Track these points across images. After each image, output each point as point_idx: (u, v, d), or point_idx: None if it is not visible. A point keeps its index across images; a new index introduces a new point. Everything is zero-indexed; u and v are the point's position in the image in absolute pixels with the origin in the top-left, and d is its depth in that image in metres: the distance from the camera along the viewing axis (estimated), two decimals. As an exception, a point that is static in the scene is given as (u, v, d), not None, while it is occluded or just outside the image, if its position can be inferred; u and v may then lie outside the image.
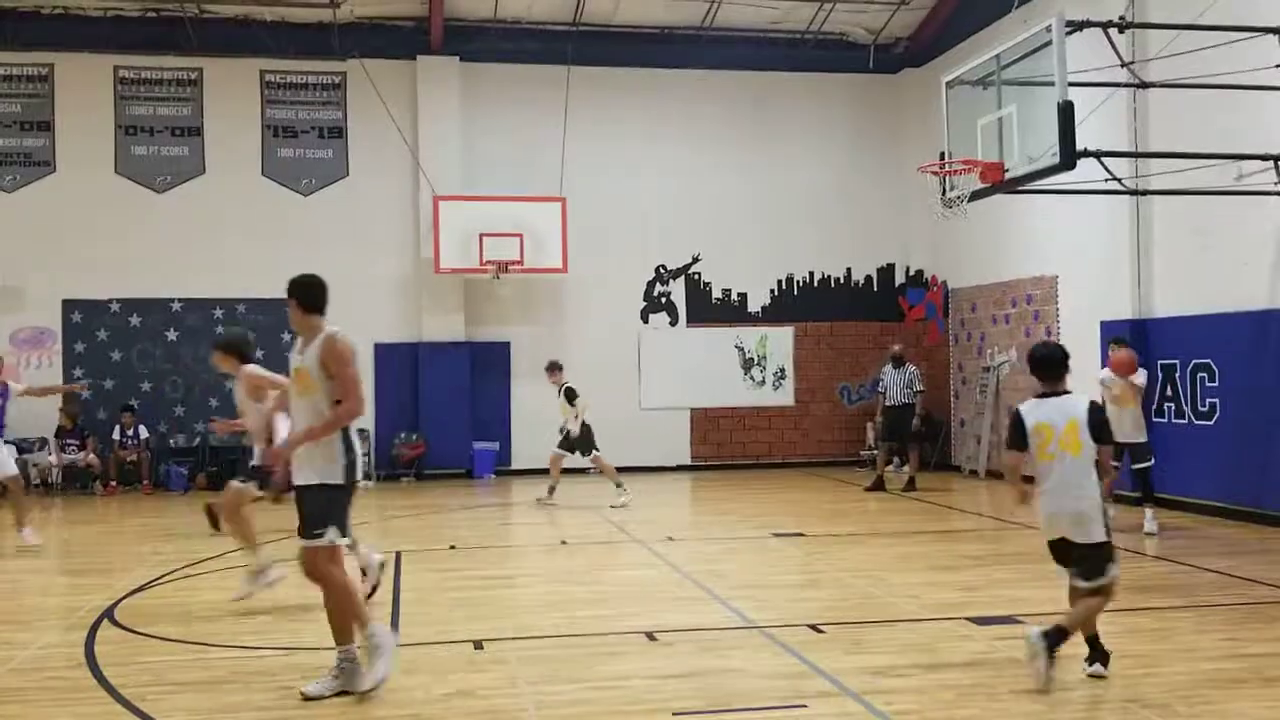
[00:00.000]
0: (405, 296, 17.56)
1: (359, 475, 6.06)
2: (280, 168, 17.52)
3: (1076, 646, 5.90)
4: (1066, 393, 6.00)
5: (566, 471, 17.39)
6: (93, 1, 16.53)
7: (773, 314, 18.63)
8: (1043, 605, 7.83)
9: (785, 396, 18.61)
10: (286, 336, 17.31)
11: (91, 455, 16.13)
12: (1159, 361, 12.81)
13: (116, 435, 16.29)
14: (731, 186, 18.38)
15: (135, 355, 17.09)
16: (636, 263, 18.21)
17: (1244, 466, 11.51)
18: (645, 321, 18.29)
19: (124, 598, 8.36)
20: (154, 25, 16.93)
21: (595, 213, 17.62)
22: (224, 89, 17.39)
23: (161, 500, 15.51)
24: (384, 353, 17.46)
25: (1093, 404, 6.02)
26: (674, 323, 18.39)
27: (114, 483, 16.17)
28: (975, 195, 10.24)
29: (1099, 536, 5.88)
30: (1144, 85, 10.96)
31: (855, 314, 18.73)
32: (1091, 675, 5.85)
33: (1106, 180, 10.16)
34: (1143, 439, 10.87)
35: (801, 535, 11.27)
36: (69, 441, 16.18)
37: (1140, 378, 10.83)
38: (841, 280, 18.90)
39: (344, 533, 5.94)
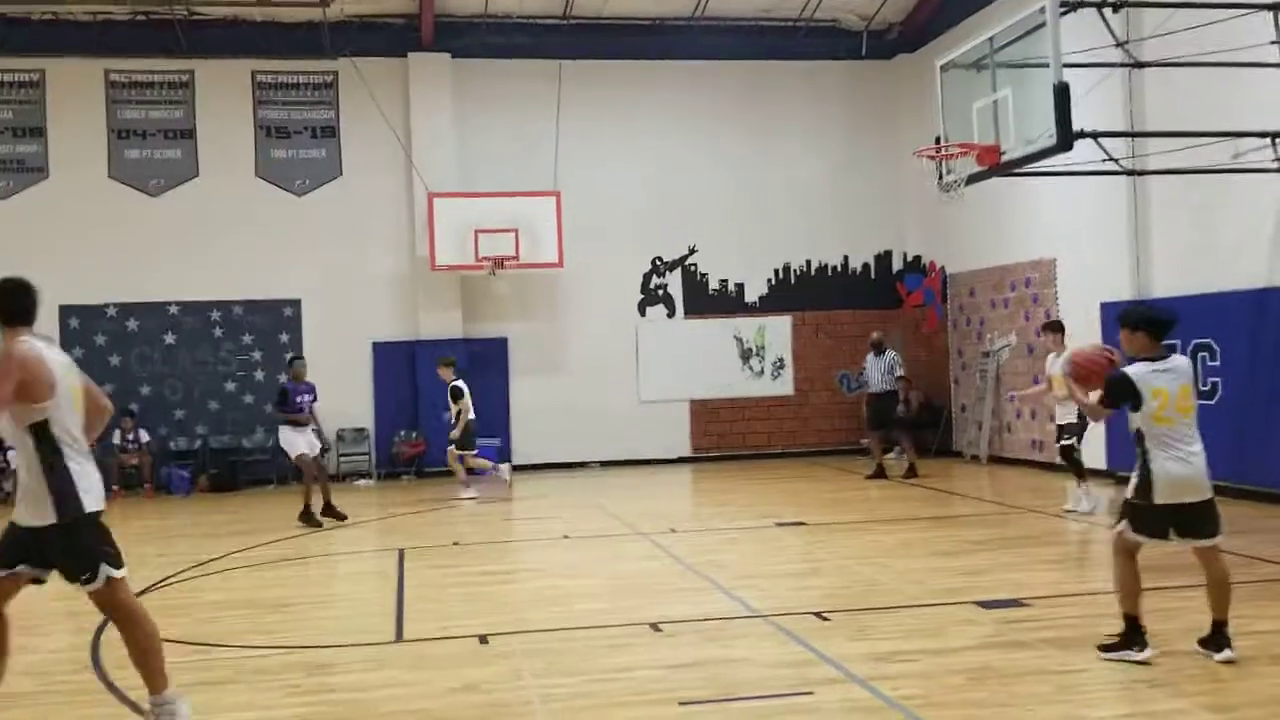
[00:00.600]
0: (402, 294, 17.53)
1: (88, 502, 4.88)
2: (274, 168, 17.47)
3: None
4: (1171, 353, 5.99)
5: (564, 466, 17.49)
6: (82, 6, 16.45)
7: (770, 304, 18.60)
8: (1047, 588, 7.85)
9: (784, 386, 18.58)
10: (286, 337, 17.34)
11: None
12: (1160, 342, 12.76)
13: (117, 439, 16.26)
14: (726, 177, 18.34)
15: (134, 359, 17.05)
16: (633, 255, 18.17)
17: (1246, 445, 11.49)
18: (643, 314, 18.26)
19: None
20: (144, 28, 16.87)
21: (590, 206, 17.57)
22: (215, 90, 17.33)
23: (163, 503, 15.50)
24: (381, 351, 17.44)
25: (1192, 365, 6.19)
26: (671, 314, 18.36)
27: (115, 487, 16.11)
28: (972, 179, 10.22)
29: (1210, 493, 5.90)
30: (1139, 65, 10.92)
31: (853, 302, 18.70)
32: (1224, 661, 5.73)
33: (1103, 161, 10.14)
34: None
35: (803, 524, 11.26)
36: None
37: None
38: (839, 268, 18.86)
39: (115, 564, 4.94)
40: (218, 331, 17.28)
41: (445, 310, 17.32)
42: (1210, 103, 11.44)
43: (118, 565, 4.92)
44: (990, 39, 10.01)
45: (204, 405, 17.15)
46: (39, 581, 5.02)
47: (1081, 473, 11.25)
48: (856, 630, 6.71)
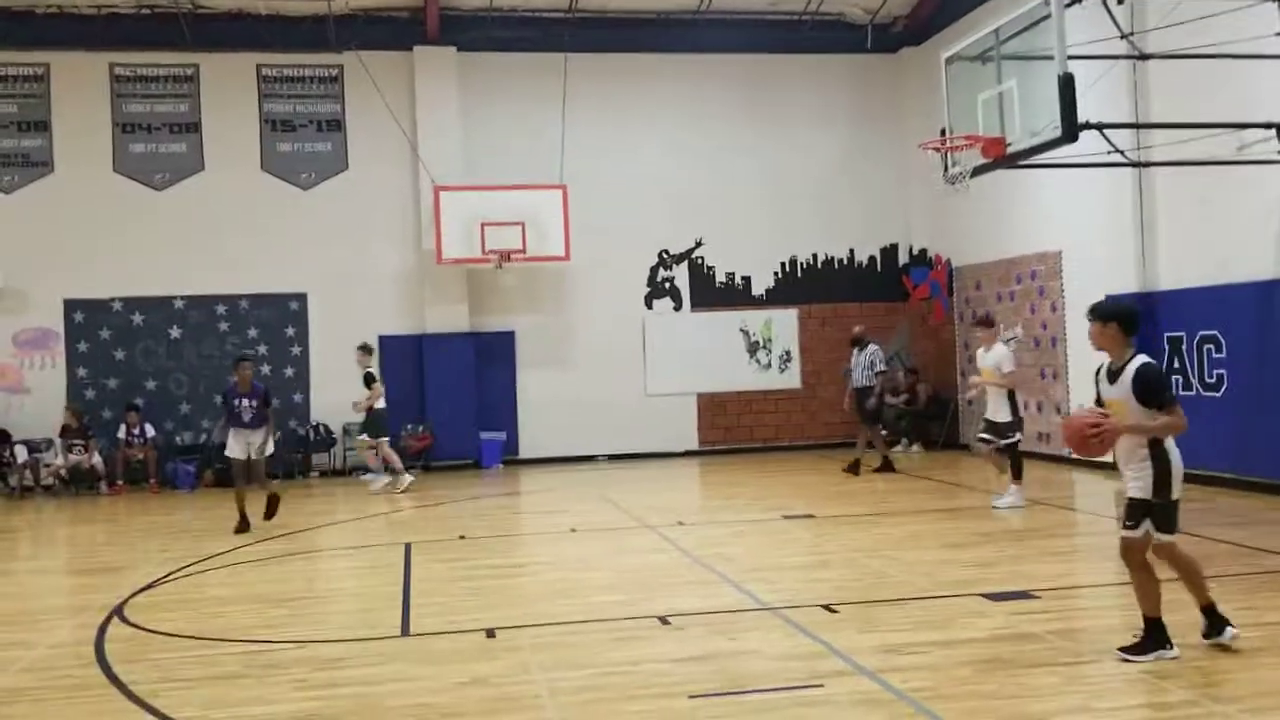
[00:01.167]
0: (408, 288, 17.53)
1: None
2: (279, 162, 17.46)
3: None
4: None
5: (571, 460, 17.47)
6: (88, 1, 16.45)
7: (777, 297, 18.56)
8: (1055, 580, 7.83)
9: (791, 379, 18.55)
10: (291, 331, 17.35)
11: (95, 456, 16.10)
12: (1165, 334, 12.75)
13: (122, 434, 16.28)
14: (733, 170, 18.31)
15: (139, 354, 17.06)
16: (639, 248, 18.15)
17: (1253, 437, 11.46)
18: (649, 307, 18.24)
19: (133, 595, 8.35)
20: (149, 21, 16.86)
21: (597, 199, 17.55)
22: (221, 84, 17.33)
23: (169, 498, 15.52)
24: (388, 345, 17.42)
25: None
26: (678, 307, 18.34)
27: (120, 482, 16.16)
28: (978, 170, 10.18)
29: None
30: (1144, 57, 10.89)
31: (860, 295, 18.65)
32: (1234, 638, 5.80)
33: (1109, 153, 10.09)
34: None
35: (811, 517, 11.24)
36: (74, 441, 16.17)
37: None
38: (845, 261, 18.82)
39: None
40: (223, 326, 17.28)
41: (452, 304, 17.31)
42: (1215, 94, 11.39)
43: None
44: (995, 31, 9.97)
45: (209, 400, 17.11)
46: None
47: (1007, 468, 11.25)
48: (865, 622, 6.70)
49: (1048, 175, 13.30)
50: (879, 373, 14.69)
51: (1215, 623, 5.82)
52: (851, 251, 18.82)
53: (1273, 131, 10.12)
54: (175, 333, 17.13)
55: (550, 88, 17.47)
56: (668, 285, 18.35)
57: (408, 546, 10.27)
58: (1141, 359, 5.75)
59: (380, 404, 14.80)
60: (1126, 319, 5.81)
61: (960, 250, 17.64)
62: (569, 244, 16.94)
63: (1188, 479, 12.56)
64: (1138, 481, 5.74)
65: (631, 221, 17.94)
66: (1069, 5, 9.12)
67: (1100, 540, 9.65)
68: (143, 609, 7.88)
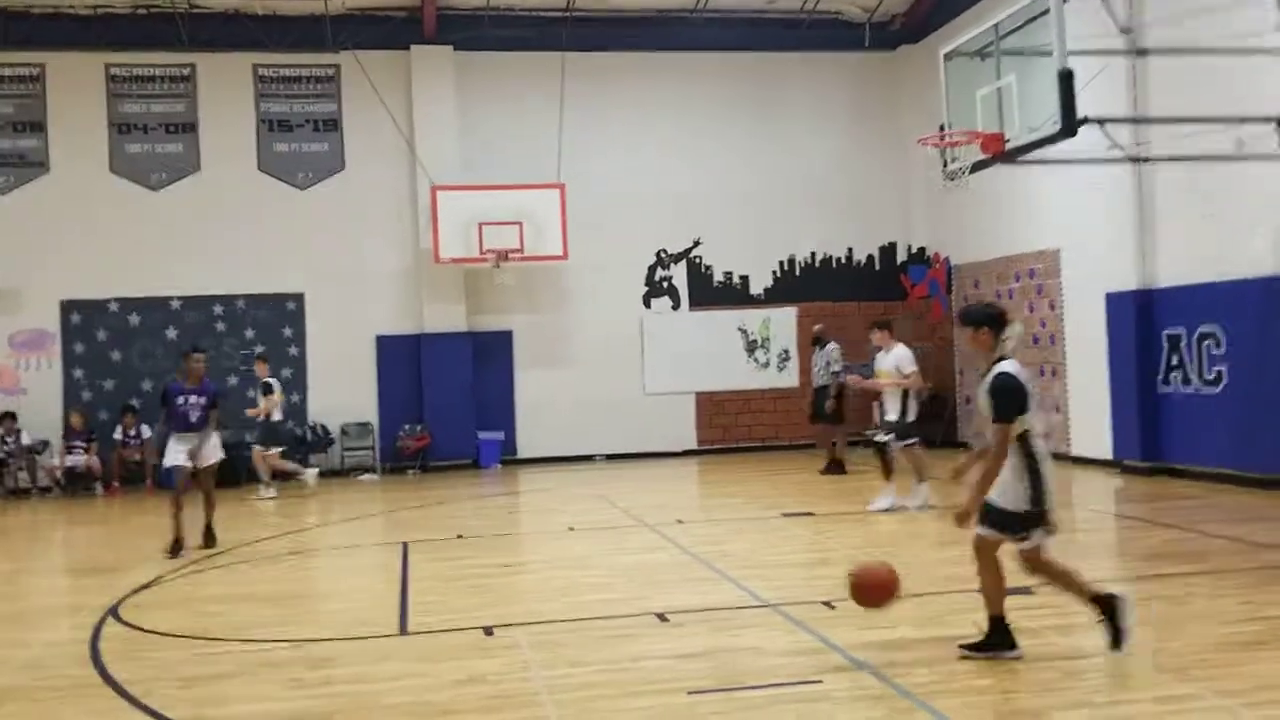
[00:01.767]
0: (406, 288, 17.49)
1: None
2: (276, 162, 17.43)
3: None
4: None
5: (569, 459, 17.43)
6: (84, 1, 16.41)
7: (775, 296, 18.53)
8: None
9: (790, 378, 18.52)
10: (289, 331, 17.31)
11: (92, 458, 16.05)
12: (1165, 331, 12.73)
13: (119, 435, 16.24)
14: (731, 169, 18.28)
15: (136, 355, 17.02)
16: (637, 247, 18.12)
17: (1252, 433, 11.44)
18: (647, 306, 18.21)
19: (128, 595, 8.30)
20: (145, 21, 16.83)
21: (594, 198, 17.52)
22: (217, 84, 17.29)
23: (164, 499, 15.38)
24: (386, 345, 17.40)
25: None
26: (676, 307, 18.31)
27: (115, 483, 16.11)
28: (977, 166, 10.16)
29: None
30: (1142, 52, 10.85)
31: (858, 294, 18.62)
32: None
33: (1108, 149, 10.06)
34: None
35: (810, 514, 11.21)
36: (75, 444, 16.13)
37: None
38: (843, 260, 18.79)
39: None
40: (220, 326, 17.24)
41: (449, 303, 17.28)
42: (1214, 89, 11.35)
43: None
44: (995, 26, 9.93)
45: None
46: None
47: (888, 470, 11.24)
48: (865, 619, 6.65)
49: (1046, 172, 13.26)
50: (834, 373, 14.64)
51: (1006, 636, 5.72)
52: (850, 250, 18.80)
53: (1273, 126, 10.08)
54: (172, 333, 17.08)
55: (547, 87, 17.45)
56: (666, 284, 18.32)
57: (405, 545, 10.24)
58: (1002, 366, 5.71)
59: (277, 414, 14.82)
60: (995, 323, 5.81)
61: (959, 248, 17.62)
62: (566, 243, 16.91)
63: (1187, 475, 12.60)
64: (1008, 492, 5.59)
65: (629, 221, 17.92)
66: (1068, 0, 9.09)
67: (1098, 538, 9.63)
68: (138, 609, 7.84)
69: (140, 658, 6.48)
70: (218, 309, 17.21)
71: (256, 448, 14.93)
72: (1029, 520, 5.57)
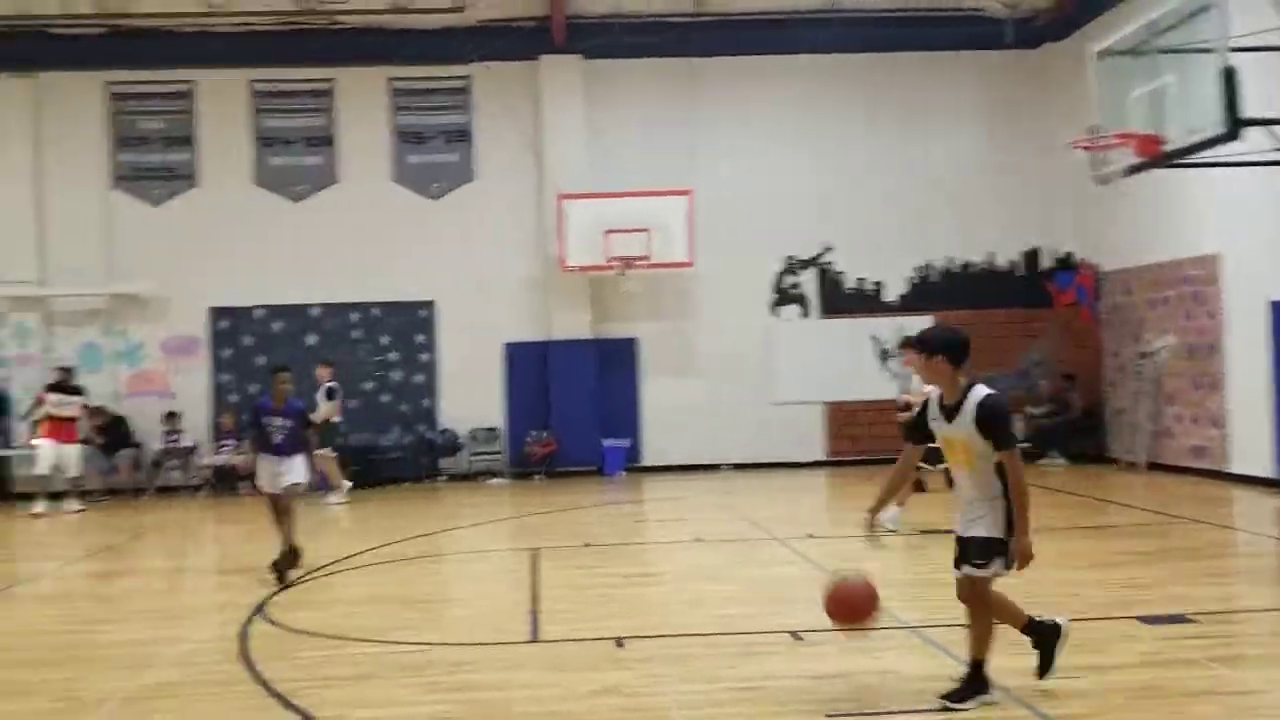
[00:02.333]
0: (534, 295, 17.66)
1: None
2: (410, 173, 17.81)
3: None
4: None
5: (694, 468, 17.32)
6: (230, 18, 17.06)
7: (911, 303, 18.02)
8: (1214, 603, 7.37)
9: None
10: (421, 338, 17.66)
11: (239, 457, 16.65)
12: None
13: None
14: (864, 172, 17.90)
15: (278, 359, 17.49)
16: (766, 254, 17.87)
17: None
18: (775, 314, 17.97)
19: (274, 594, 8.52)
20: (287, 38, 17.39)
21: (723, 204, 17.38)
22: (355, 97, 17.77)
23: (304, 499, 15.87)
24: (514, 352, 17.60)
25: None
26: (805, 314, 18.01)
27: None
28: (1132, 170, 9.68)
29: None
30: (1312, 47, 10.20)
31: (1000, 301, 17.92)
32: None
33: (1275, 150, 9.48)
34: None
35: (950, 532, 10.82)
36: (224, 443, 16.78)
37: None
38: (984, 266, 18.20)
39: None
40: (356, 333, 17.69)
41: (576, 311, 17.39)
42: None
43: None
44: (1151, 23, 9.47)
45: (345, 404, 17.53)
46: None
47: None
48: (1012, 644, 6.36)
49: (1201, 175, 12.58)
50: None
51: (983, 683, 5.32)
52: (991, 256, 18.18)
53: None
54: (312, 339, 17.59)
55: (676, 92, 17.45)
56: (795, 291, 18.06)
57: (534, 552, 10.28)
58: (982, 392, 5.27)
59: (337, 417, 15.10)
60: (954, 349, 5.29)
61: (1108, 254, 16.86)
62: (694, 250, 16.82)
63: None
64: (986, 519, 5.31)
65: (757, 226, 17.71)
66: (1230, -7, 8.62)
67: (1263, 563, 9.08)
68: (284, 608, 8.04)
69: (287, 657, 6.63)
70: (354, 316, 17.67)
71: (325, 450, 14.90)
72: (995, 548, 5.28)
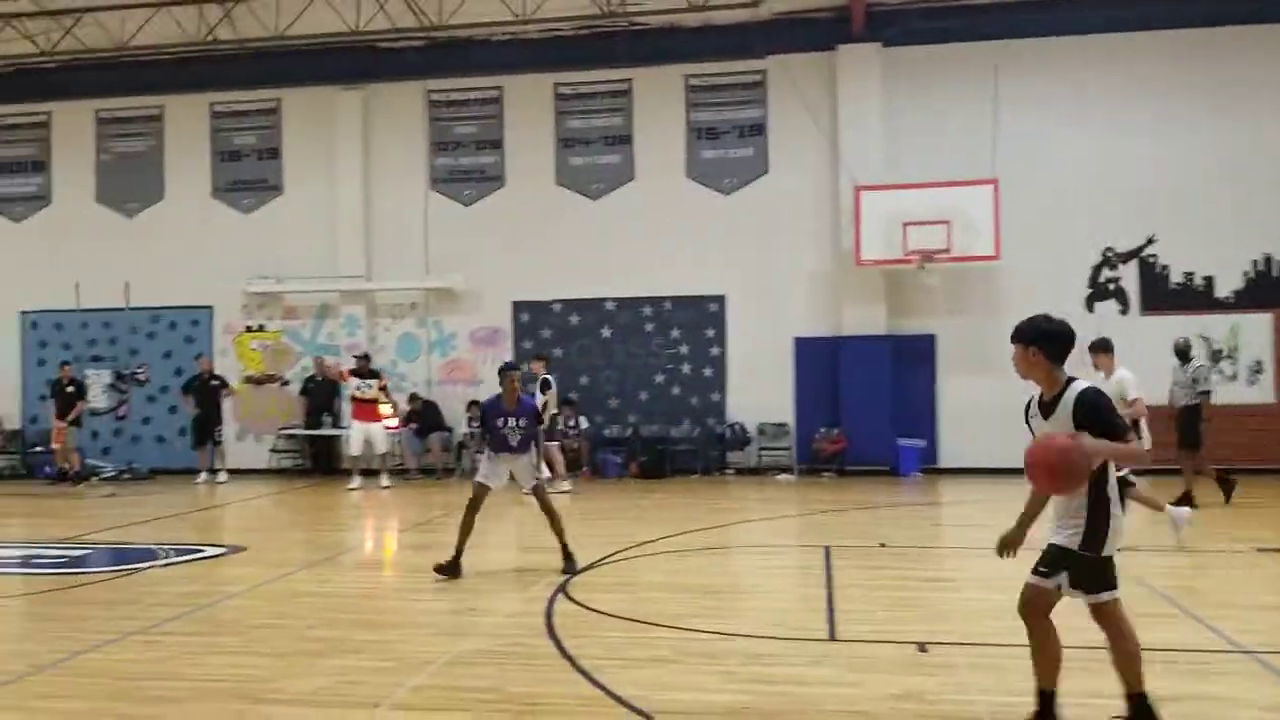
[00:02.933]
0: (825, 289, 17.40)
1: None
2: (703, 168, 18.00)
3: None
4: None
5: (994, 472, 16.43)
6: (536, 25, 17.86)
7: (1247, 299, 16.36)
8: None
9: (1264, 393, 16.31)
10: (710, 332, 17.81)
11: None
12: None
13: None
14: (1190, 156, 16.43)
15: (575, 351, 18.26)
16: (1080, 246, 16.75)
17: None
18: (1090, 310, 16.74)
19: (574, 575, 8.77)
20: (589, 41, 18.02)
21: (1031, 194, 16.45)
22: (651, 96, 18.17)
23: (598, 486, 16.42)
24: (804, 346, 17.40)
25: None
26: (1124, 311, 16.72)
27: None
28: None
29: None
30: None
31: (1360, 297, 15.99)
32: None
33: None
34: None
35: (1290, 550, 9.74)
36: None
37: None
38: (1336, 259, 16.27)
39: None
40: (649, 326, 18.08)
41: (869, 305, 16.98)
42: None
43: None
44: None
45: (635, 396, 18.01)
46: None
47: (1149, 501, 10.22)
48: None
49: None
50: (1201, 392, 12.59)
51: (1142, 717, 4.70)
52: (1344, 247, 16.21)
53: None
54: (606, 332, 18.16)
55: (980, 77, 16.67)
56: (1112, 286, 16.79)
57: (826, 549, 10.08)
58: (1081, 384, 4.85)
59: (553, 408, 15.31)
60: (1051, 341, 4.91)
61: None
62: (999, 242, 16.00)
63: None
64: (1065, 531, 4.93)
65: (1070, 217, 16.64)
66: None
67: None
68: (584, 588, 8.27)
69: (588, 635, 6.78)
70: (646, 310, 18.07)
71: (548, 444, 15.25)
72: (1062, 559, 4.95)
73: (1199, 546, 10.33)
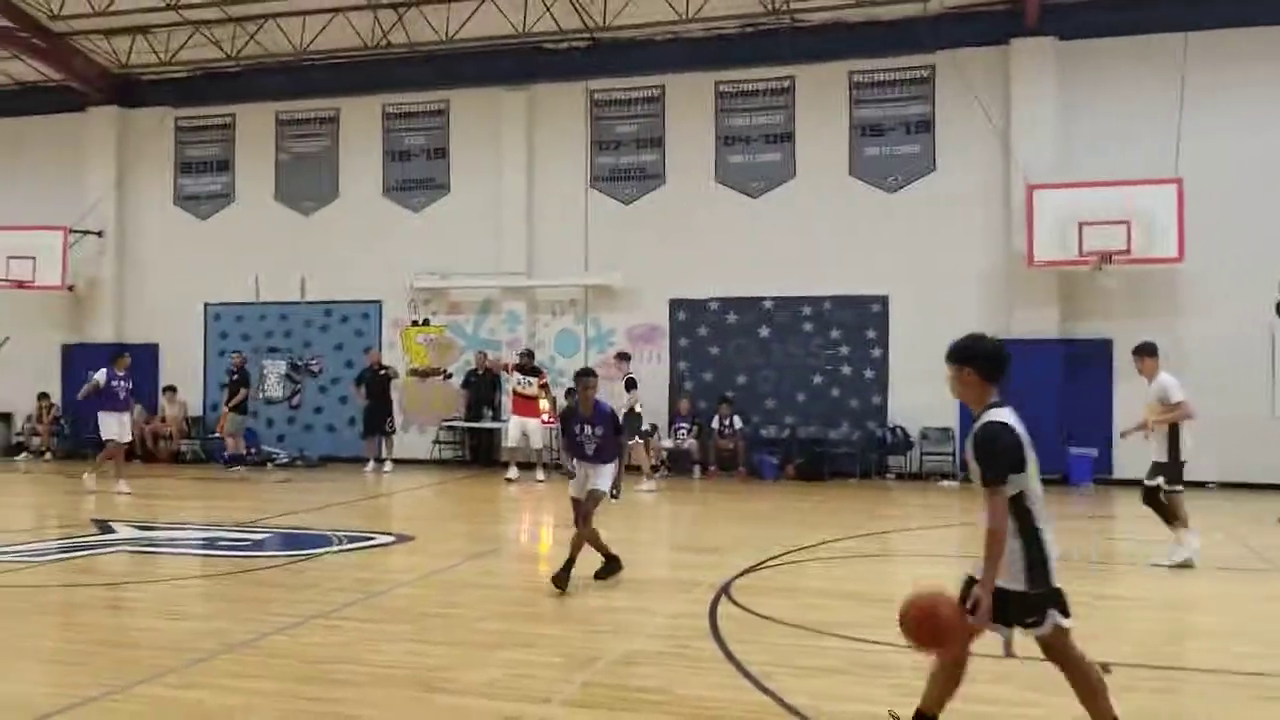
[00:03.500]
0: (993, 291, 16.84)
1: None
2: (867, 166, 17.65)
3: None
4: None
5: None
6: (699, 24, 17.83)
7: None
8: None
9: None
10: (872, 333, 17.45)
11: (693, 442, 17.44)
12: None
13: (715, 424, 17.45)
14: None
15: (731, 350, 18.17)
16: (1268, 249, 15.69)
17: None
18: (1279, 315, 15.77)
19: (736, 577, 8.70)
20: (751, 39, 17.90)
21: (1218, 193, 15.53)
22: (814, 93, 17.91)
23: (753, 487, 16.30)
24: (970, 350, 16.84)
25: None
26: (1314, 318, 15.67)
27: (713, 467, 17.34)
28: None
29: None
30: None
31: None
32: None
33: None
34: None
35: None
36: (680, 426, 17.64)
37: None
38: None
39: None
40: (808, 326, 17.84)
41: (1040, 307, 16.35)
42: None
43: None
44: None
45: (792, 396, 17.81)
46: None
47: (1170, 518, 9.82)
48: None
49: None
50: None
51: None
52: None
53: None
54: (764, 331, 18.00)
55: (1164, 72, 15.85)
56: (1309, 290, 15.75)
57: (996, 561, 9.70)
58: (991, 415, 4.57)
59: (638, 408, 16.15)
60: (985, 361, 4.61)
61: None
62: (1183, 244, 15.17)
63: None
64: (1009, 567, 4.55)
65: (1262, 217, 15.65)
66: None
67: None
68: (746, 591, 8.18)
69: (754, 640, 6.70)
70: (806, 310, 17.83)
71: (633, 443, 15.41)
72: (1033, 600, 4.57)
73: None
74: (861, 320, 17.59)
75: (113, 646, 6.62)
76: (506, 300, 19.18)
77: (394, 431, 18.60)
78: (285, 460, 19.32)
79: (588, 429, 8.44)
